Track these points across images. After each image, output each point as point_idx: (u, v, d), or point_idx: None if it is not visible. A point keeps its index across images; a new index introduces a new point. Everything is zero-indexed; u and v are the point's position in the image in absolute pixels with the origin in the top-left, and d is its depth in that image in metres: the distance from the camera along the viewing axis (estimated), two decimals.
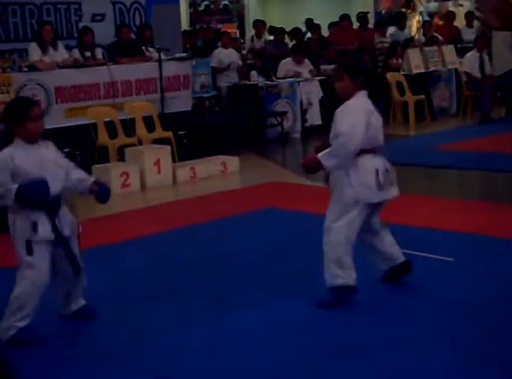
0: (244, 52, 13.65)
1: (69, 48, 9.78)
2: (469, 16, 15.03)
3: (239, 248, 5.80)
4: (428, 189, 8.08)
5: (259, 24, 14.04)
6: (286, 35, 14.36)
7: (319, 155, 4.37)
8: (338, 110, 4.41)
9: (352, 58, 4.63)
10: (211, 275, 5.18)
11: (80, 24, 10.30)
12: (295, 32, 14.31)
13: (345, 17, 14.11)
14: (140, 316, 4.51)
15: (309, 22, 16.00)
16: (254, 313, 4.44)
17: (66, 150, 9.61)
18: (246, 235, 6.17)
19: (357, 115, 4.35)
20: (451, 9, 17.73)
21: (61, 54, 9.39)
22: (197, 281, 5.07)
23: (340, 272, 4.41)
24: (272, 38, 14.25)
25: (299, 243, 5.82)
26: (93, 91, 9.25)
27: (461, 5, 18.68)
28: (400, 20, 14.62)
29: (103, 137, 8.96)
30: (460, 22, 15.66)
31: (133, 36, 10.40)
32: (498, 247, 5.49)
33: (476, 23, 14.98)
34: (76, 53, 9.60)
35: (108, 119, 9.10)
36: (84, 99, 9.16)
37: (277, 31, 13.76)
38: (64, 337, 4.26)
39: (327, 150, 4.36)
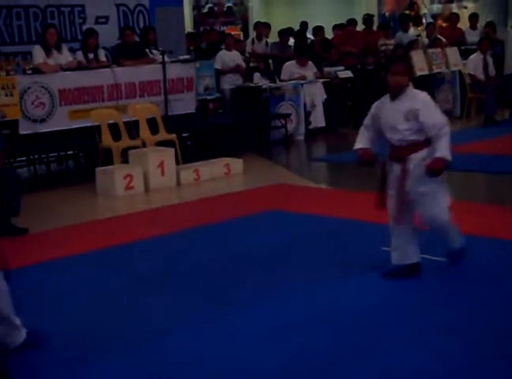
0: (247, 54, 13.61)
1: (73, 51, 9.77)
2: (473, 18, 15.02)
3: (242, 250, 5.80)
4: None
5: (260, 26, 14.02)
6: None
7: (441, 155, 4.59)
8: (416, 108, 4.64)
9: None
10: (215, 277, 5.18)
11: (84, 27, 10.30)
12: (299, 34, 14.30)
13: (352, 22, 14.12)
14: (143, 317, 4.51)
15: (304, 25, 15.91)
16: (257, 314, 4.43)
17: (70, 152, 9.67)
18: (250, 237, 6.17)
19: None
20: (455, 11, 17.72)
21: (65, 56, 9.39)
22: (202, 283, 5.07)
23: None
24: (273, 41, 14.22)
25: (304, 245, 5.82)
26: (97, 94, 9.26)
27: (465, 7, 18.68)
28: (404, 23, 14.62)
29: (106, 140, 8.96)
30: (463, 24, 15.65)
31: (136, 39, 10.41)
32: (502, 249, 5.48)
33: (479, 25, 14.98)
34: (79, 55, 9.61)
35: (112, 121, 9.11)
36: (87, 102, 9.16)
37: (282, 33, 13.74)
38: (67, 337, 4.25)
39: (440, 146, 4.58)
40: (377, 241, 5.69)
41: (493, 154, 9.27)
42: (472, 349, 3.83)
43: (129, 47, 9.98)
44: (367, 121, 4.98)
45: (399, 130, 4.71)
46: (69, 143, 9.11)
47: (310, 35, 15.49)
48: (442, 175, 4.72)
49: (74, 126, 9.00)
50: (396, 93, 4.74)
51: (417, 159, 4.71)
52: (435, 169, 4.62)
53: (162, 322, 4.41)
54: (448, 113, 12.93)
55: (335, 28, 15.04)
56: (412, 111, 4.65)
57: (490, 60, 12.56)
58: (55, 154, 9.60)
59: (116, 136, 9.05)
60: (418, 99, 4.72)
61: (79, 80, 9.13)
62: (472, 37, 14.32)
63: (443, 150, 4.59)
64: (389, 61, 5.00)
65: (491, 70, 12.51)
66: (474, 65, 12.58)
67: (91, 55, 9.62)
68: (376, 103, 4.94)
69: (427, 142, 4.68)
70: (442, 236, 4.99)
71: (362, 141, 4.96)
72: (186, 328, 4.29)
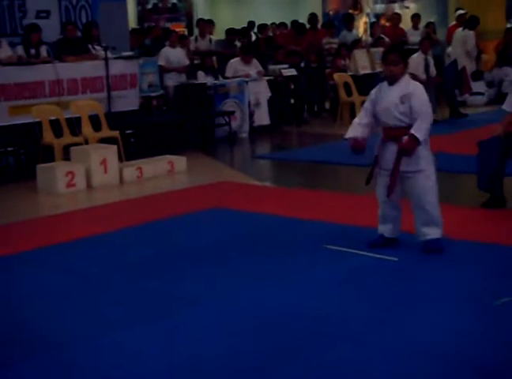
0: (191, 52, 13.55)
1: (12, 45, 9.59)
2: (415, 18, 15.26)
3: (184, 248, 5.78)
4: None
5: (202, 23, 13.98)
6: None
7: (414, 132, 5.07)
8: (410, 91, 5.16)
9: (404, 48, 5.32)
10: (158, 275, 5.15)
11: (25, 21, 10.11)
12: (244, 32, 14.32)
13: (298, 25, 14.22)
14: (83, 316, 4.46)
15: (251, 24, 15.98)
16: (197, 312, 4.43)
17: (10, 149, 9.49)
18: (192, 235, 6.16)
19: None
20: (397, 11, 17.95)
21: (4, 51, 9.22)
22: (144, 281, 5.04)
23: None
24: (217, 38, 14.21)
25: (246, 243, 5.83)
26: (38, 89, 9.10)
27: (407, 8, 18.93)
28: (348, 22, 14.76)
29: (48, 136, 8.83)
30: (406, 24, 15.87)
31: (79, 34, 10.28)
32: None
33: (421, 25, 15.22)
34: (20, 50, 9.43)
35: (54, 118, 8.97)
36: (28, 97, 9.00)
37: (229, 33, 13.74)
38: (9, 335, 4.19)
39: (416, 128, 5.08)
40: (319, 238, 5.76)
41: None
42: (412, 347, 3.89)
43: (71, 43, 9.84)
44: (366, 105, 5.34)
45: (394, 112, 5.15)
46: (9, 139, 8.94)
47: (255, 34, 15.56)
48: (432, 156, 5.30)
49: (14, 122, 8.84)
50: (391, 81, 5.25)
51: None
52: (408, 147, 5.11)
53: (101, 321, 4.36)
54: None
55: (274, 25, 15.17)
56: (406, 95, 5.14)
57: (431, 60, 12.76)
58: None
59: (58, 133, 8.92)
60: (411, 85, 5.24)
61: (19, 75, 8.96)
62: (414, 37, 14.52)
63: (419, 130, 5.08)
64: (384, 52, 5.43)
65: (432, 70, 12.72)
66: (415, 64, 12.72)
67: (32, 51, 9.45)
68: (374, 89, 5.35)
69: None
70: (424, 216, 5.28)
71: (354, 130, 5.31)
72: (126, 327, 4.25)
